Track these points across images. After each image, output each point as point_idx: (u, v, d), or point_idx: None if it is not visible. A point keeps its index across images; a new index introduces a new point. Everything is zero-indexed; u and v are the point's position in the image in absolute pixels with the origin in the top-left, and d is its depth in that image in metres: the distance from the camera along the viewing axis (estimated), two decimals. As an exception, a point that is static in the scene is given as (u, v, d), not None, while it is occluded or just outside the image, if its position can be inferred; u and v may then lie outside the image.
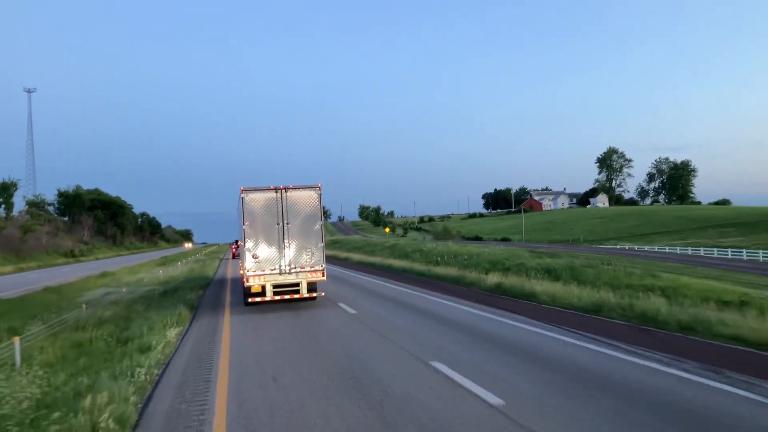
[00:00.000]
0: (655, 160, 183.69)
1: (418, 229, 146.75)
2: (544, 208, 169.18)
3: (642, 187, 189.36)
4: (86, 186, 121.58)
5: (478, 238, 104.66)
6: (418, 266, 32.98)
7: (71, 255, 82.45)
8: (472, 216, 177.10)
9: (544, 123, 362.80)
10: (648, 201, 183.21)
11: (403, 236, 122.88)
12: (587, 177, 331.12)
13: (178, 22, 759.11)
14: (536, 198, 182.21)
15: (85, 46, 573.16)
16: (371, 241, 65.80)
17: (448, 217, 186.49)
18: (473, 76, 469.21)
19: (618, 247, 70.92)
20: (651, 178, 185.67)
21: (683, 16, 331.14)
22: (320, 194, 16.60)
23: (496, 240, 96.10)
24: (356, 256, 45.81)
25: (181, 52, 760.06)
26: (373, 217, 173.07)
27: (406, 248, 46.64)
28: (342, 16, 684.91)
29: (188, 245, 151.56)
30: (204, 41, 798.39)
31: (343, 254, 49.86)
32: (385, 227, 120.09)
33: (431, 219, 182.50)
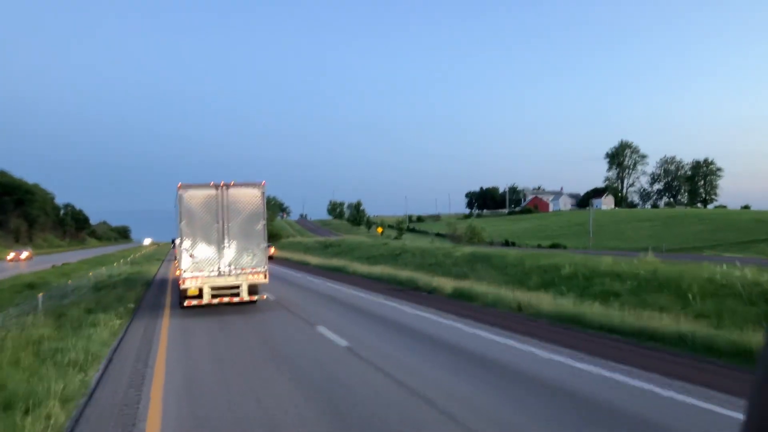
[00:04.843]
0: (660, 159, 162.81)
1: (413, 230, 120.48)
2: (551, 209, 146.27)
3: (644, 189, 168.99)
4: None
5: (508, 244, 79.49)
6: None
7: None
8: (468, 216, 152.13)
9: (528, 119, 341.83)
10: (650, 204, 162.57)
11: (396, 238, 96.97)
12: (581, 176, 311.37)
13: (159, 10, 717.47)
14: (539, 197, 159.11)
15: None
16: (407, 247, 39.11)
17: (438, 216, 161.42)
18: (451, 72, 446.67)
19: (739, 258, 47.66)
20: (654, 179, 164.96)
21: (679, 15, 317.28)
22: (263, 192, 15.78)
23: (541, 246, 71.09)
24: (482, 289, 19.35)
25: (129, 43, 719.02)
26: (352, 214, 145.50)
27: (561, 264, 20.45)
28: (323, 10, 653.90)
29: (23, 254, 68.08)
30: (171, 32, 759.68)
31: (471, 286, 21.77)
32: (376, 227, 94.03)
33: (419, 218, 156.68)
